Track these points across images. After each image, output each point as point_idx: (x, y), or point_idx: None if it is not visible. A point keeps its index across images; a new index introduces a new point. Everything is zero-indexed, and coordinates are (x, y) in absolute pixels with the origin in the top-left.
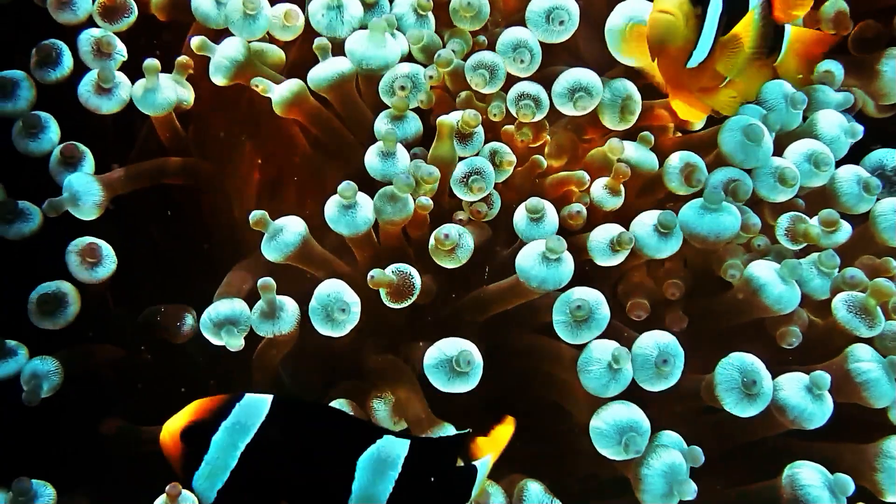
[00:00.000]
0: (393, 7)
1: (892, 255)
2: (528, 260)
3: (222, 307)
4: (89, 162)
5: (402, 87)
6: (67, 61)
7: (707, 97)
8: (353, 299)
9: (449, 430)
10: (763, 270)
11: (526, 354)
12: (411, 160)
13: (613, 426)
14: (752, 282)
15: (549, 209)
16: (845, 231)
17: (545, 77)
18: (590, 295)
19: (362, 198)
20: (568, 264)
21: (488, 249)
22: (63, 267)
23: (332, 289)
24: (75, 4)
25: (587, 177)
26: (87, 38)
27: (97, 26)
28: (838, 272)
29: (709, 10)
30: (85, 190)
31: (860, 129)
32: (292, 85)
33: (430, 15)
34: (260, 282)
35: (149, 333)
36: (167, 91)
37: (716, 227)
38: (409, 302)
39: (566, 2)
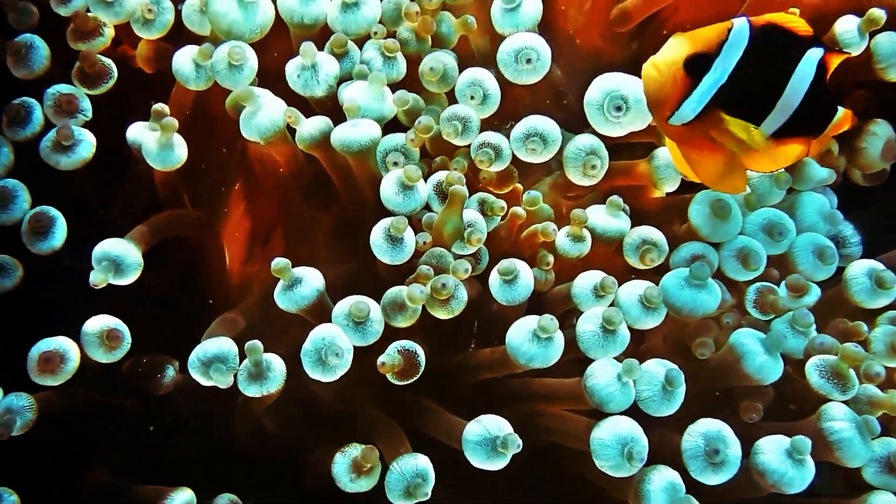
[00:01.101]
0: (363, 51)
1: (864, 316)
2: (518, 336)
3: (210, 346)
4: (60, 228)
5: (396, 163)
6: (38, 118)
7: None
8: (346, 345)
9: None
10: (747, 339)
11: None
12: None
13: (615, 437)
14: (735, 349)
15: (524, 270)
16: (815, 294)
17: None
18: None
19: (374, 312)
20: (558, 344)
21: (479, 304)
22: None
23: (328, 333)
24: (31, 60)
25: (552, 227)
26: (52, 93)
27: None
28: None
29: (706, 79)
30: (125, 255)
31: (840, 216)
32: (321, 124)
33: (400, 56)
34: (248, 345)
35: (132, 383)
36: (180, 149)
37: (693, 304)
38: (415, 379)
39: (535, 42)
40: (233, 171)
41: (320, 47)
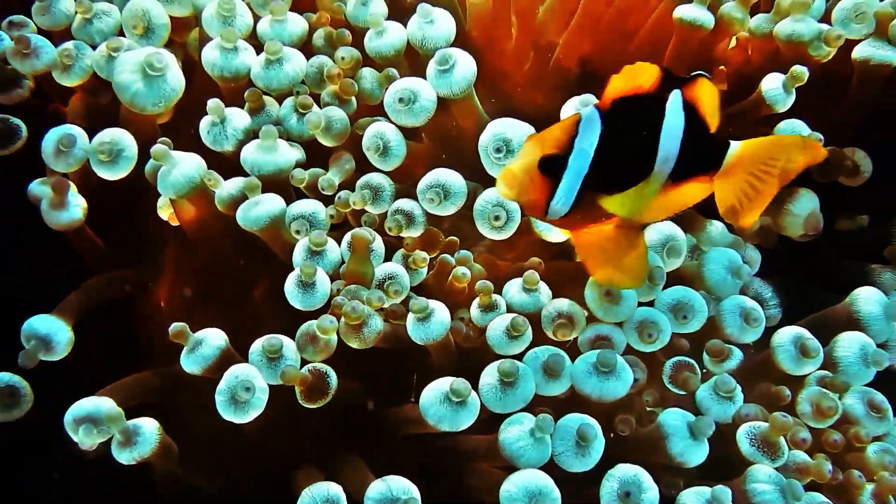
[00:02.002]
0: (281, 108)
1: (791, 381)
2: (430, 397)
3: (87, 403)
4: None
5: (298, 231)
6: None
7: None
8: (260, 383)
9: None
10: (674, 420)
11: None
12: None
13: (521, 489)
14: (661, 427)
15: (439, 308)
16: (736, 358)
17: None
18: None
19: (288, 349)
20: (471, 409)
21: (418, 357)
22: None
23: (241, 370)
24: None
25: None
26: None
27: None
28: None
29: (564, 177)
30: (53, 331)
31: (747, 270)
32: (240, 184)
33: (315, 111)
34: (105, 412)
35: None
36: (75, 209)
37: (600, 391)
38: (325, 402)
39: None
40: (168, 229)
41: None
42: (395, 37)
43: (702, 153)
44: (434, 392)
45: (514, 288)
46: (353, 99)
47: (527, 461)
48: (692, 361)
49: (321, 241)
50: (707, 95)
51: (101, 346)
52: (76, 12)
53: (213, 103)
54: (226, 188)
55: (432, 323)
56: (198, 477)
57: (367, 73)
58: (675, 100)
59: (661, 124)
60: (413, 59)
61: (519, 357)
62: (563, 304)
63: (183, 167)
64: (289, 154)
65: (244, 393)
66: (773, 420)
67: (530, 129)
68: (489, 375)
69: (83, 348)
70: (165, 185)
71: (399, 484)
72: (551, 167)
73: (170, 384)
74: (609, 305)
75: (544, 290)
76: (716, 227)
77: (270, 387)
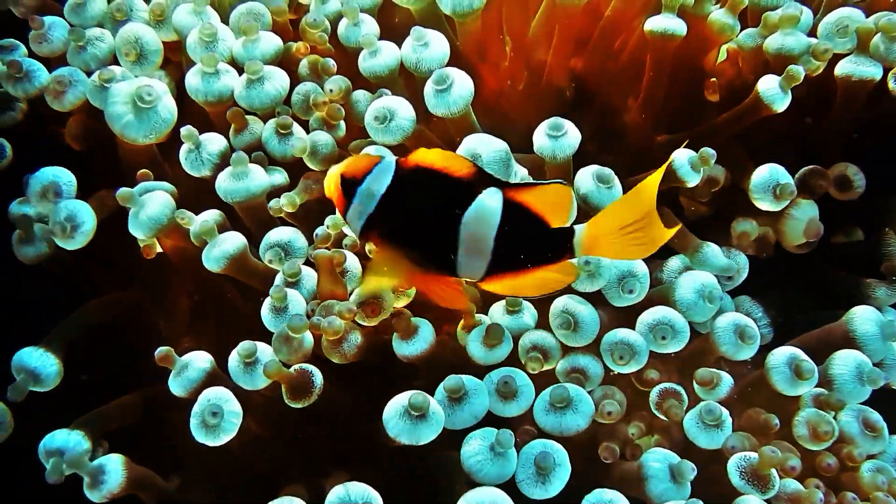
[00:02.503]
0: (263, 129)
1: (786, 400)
2: (390, 411)
3: (59, 436)
4: None
5: (270, 261)
6: None
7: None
8: (232, 408)
9: None
10: (655, 461)
11: None
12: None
13: None
14: (642, 468)
15: (424, 325)
16: (726, 384)
17: None
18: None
19: (263, 353)
20: (432, 424)
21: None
22: None
23: (214, 395)
24: None
25: None
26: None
27: None
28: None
29: (354, 201)
30: (42, 364)
31: (718, 293)
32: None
33: (297, 132)
34: (68, 455)
35: None
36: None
37: (560, 427)
38: (311, 401)
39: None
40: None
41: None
42: (388, 56)
43: (542, 244)
44: (394, 406)
45: (497, 309)
46: (342, 123)
47: (484, 476)
48: (678, 388)
49: (294, 271)
50: (547, 197)
51: (101, 363)
52: (70, 40)
53: (185, 130)
54: (197, 224)
55: (418, 340)
56: (193, 493)
57: (362, 97)
58: (490, 197)
59: (465, 210)
60: (408, 79)
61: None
62: (537, 335)
63: (148, 210)
64: (261, 179)
65: (211, 418)
66: (761, 454)
67: (503, 145)
68: (438, 392)
69: (81, 365)
70: (134, 226)
71: (357, 489)
72: (347, 188)
73: (161, 402)
74: (490, 351)
75: (524, 315)
76: (711, 249)
77: (261, 402)
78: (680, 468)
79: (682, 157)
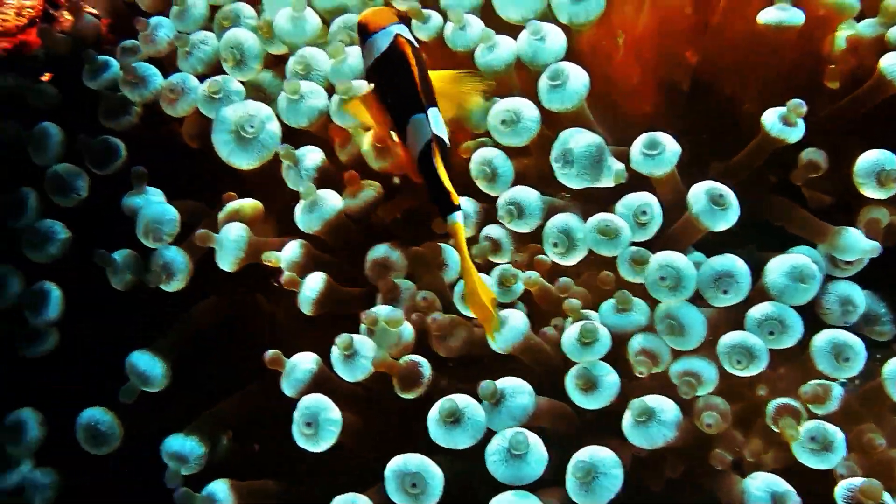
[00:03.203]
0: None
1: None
2: (431, 416)
3: (174, 441)
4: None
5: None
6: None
7: None
8: (330, 416)
9: None
10: (756, 489)
11: None
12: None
13: None
14: (744, 494)
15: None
16: (835, 399)
17: None
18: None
19: (362, 346)
20: (467, 430)
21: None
22: None
23: (312, 402)
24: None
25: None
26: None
27: None
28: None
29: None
30: (150, 368)
31: (818, 278)
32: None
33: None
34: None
35: None
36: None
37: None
38: (421, 391)
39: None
40: None
41: None
42: (505, 50)
43: None
44: (433, 410)
45: (606, 308)
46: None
47: (501, 477)
48: (796, 405)
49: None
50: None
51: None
52: (177, 46)
53: (283, 150)
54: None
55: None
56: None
57: None
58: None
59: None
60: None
61: None
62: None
63: (225, 250)
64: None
65: (306, 428)
66: (864, 489)
67: (594, 139)
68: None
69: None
70: (221, 263)
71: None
72: (363, 34)
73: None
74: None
75: (638, 313)
76: (852, 233)
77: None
78: (783, 500)
79: (771, 116)
